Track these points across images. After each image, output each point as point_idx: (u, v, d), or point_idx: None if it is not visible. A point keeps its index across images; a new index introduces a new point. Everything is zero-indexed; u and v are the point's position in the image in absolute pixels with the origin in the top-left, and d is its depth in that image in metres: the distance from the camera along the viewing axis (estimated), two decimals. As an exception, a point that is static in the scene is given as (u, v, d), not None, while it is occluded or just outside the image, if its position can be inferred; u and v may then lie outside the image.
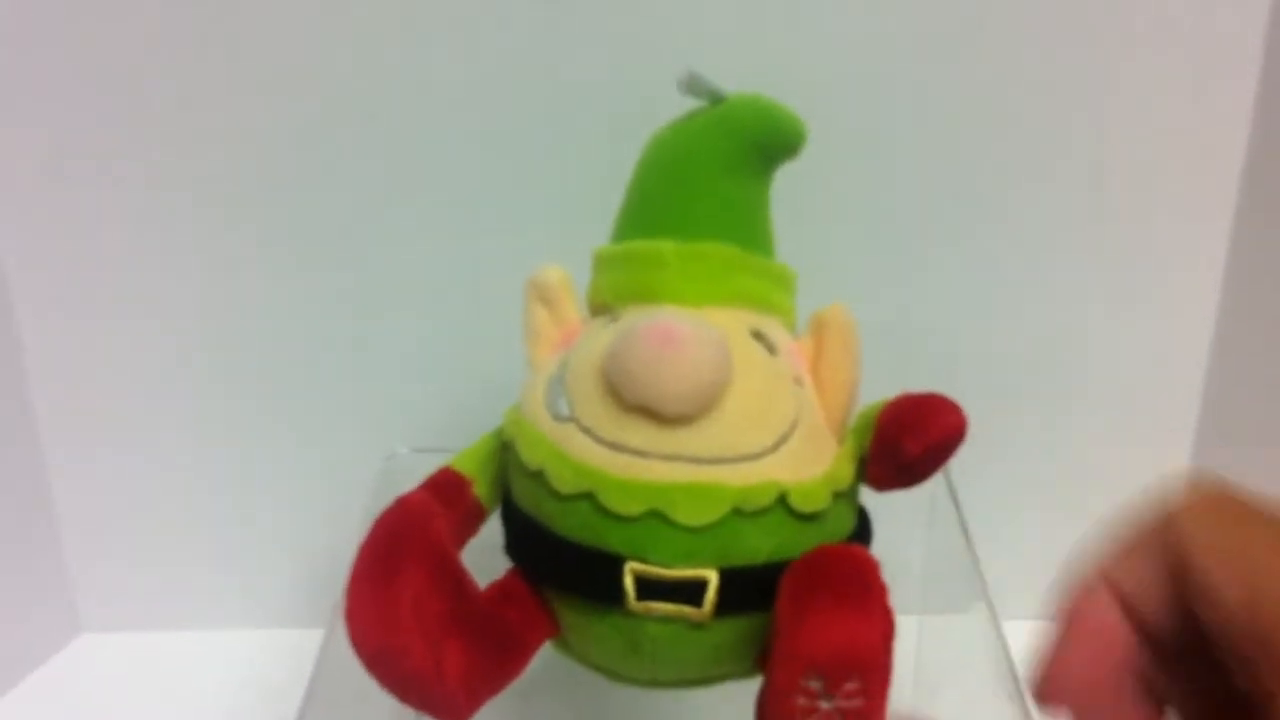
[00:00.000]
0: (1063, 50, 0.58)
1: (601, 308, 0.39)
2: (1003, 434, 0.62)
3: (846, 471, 0.36)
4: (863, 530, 0.39)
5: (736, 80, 0.39)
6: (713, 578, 0.33)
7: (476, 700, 0.35)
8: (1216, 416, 0.64)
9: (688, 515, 0.33)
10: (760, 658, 0.36)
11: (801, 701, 0.30)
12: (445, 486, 0.39)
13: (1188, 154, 0.60)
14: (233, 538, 0.65)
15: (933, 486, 0.50)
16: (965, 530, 0.49)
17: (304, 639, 0.57)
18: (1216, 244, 0.62)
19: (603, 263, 0.40)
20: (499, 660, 0.36)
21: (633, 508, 0.33)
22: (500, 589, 0.37)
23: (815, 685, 0.30)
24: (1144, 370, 0.64)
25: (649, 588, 0.33)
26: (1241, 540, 0.27)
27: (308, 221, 0.60)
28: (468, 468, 0.40)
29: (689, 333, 0.33)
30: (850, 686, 0.30)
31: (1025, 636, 0.46)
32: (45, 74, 0.57)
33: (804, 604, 0.31)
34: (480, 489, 0.40)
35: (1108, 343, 0.63)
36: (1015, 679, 0.42)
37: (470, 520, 0.40)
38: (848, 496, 0.37)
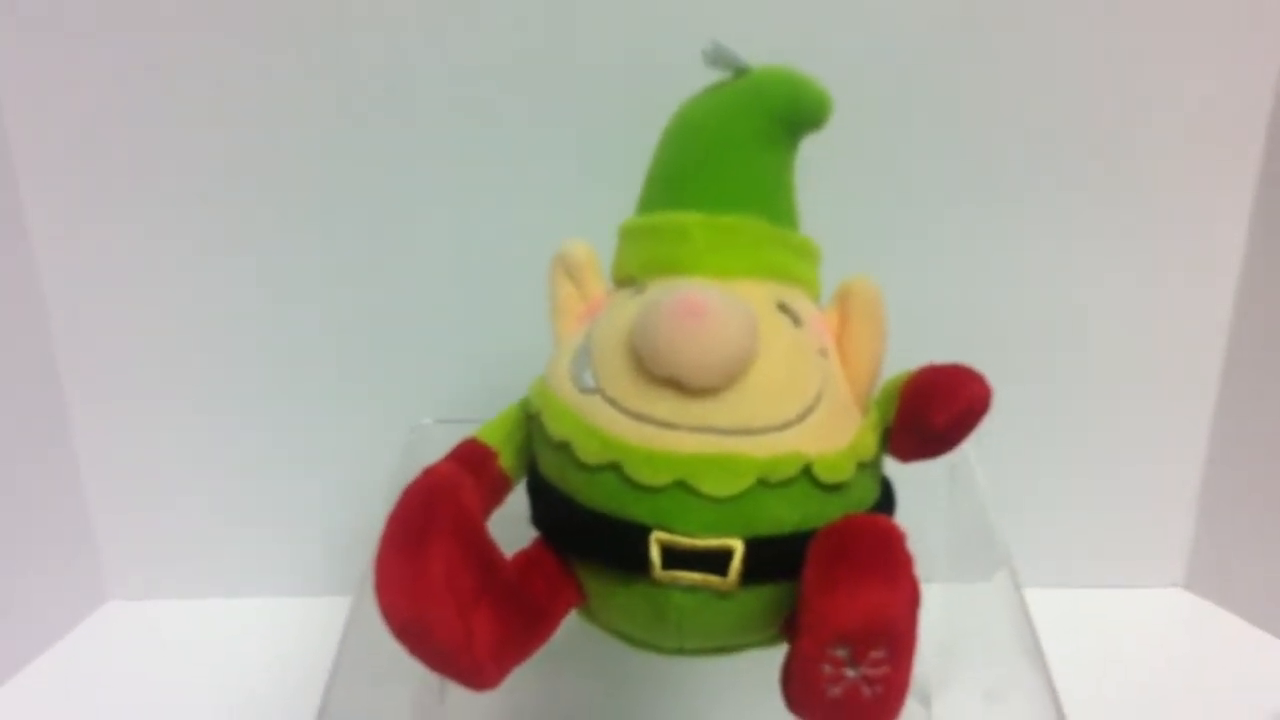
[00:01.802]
0: (1086, 25, 0.58)
1: (627, 280, 0.39)
2: (1024, 405, 0.62)
3: (870, 442, 0.36)
4: (886, 501, 0.39)
5: (759, 53, 0.39)
6: (738, 547, 0.33)
7: (504, 668, 0.35)
8: (1236, 389, 0.64)
9: (713, 486, 0.33)
10: (785, 625, 0.36)
11: (827, 670, 0.30)
12: (471, 458, 0.39)
13: (1209, 127, 0.60)
14: (259, 507, 0.66)
15: (954, 457, 0.50)
16: (986, 500, 0.49)
17: (330, 607, 0.58)
18: (1237, 218, 0.62)
19: (628, 235, 0.40)
20: (526, 629, 0.36)
21: (659, 478, 0.33)
22: (526, 559, 0.38)
23: (841, 654, 0.30)
24: (1164, 341, 0.64)
25: (675, 557, 0.33)
26: None
27: (334, 194, 0.60)
28: (493, 439, 0.40)
29: (715, 304, 0.33)
30: (876, 655, 0.30)
31: (1047, 603, 0.47)
32: (78, 56, 0.57)
33: (830, 573, 0.32)
34: (505, 460, 0.40)
35: (1128, 315, 0.63)
36: (1037, 645, 0.43)
37: (496, 491, 0.40)
38: (872, 467, 0.37)
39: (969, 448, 0.51)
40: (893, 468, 0.39)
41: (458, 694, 0.53)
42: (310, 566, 0.67)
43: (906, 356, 0.38)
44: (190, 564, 0.67)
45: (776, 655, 0.35)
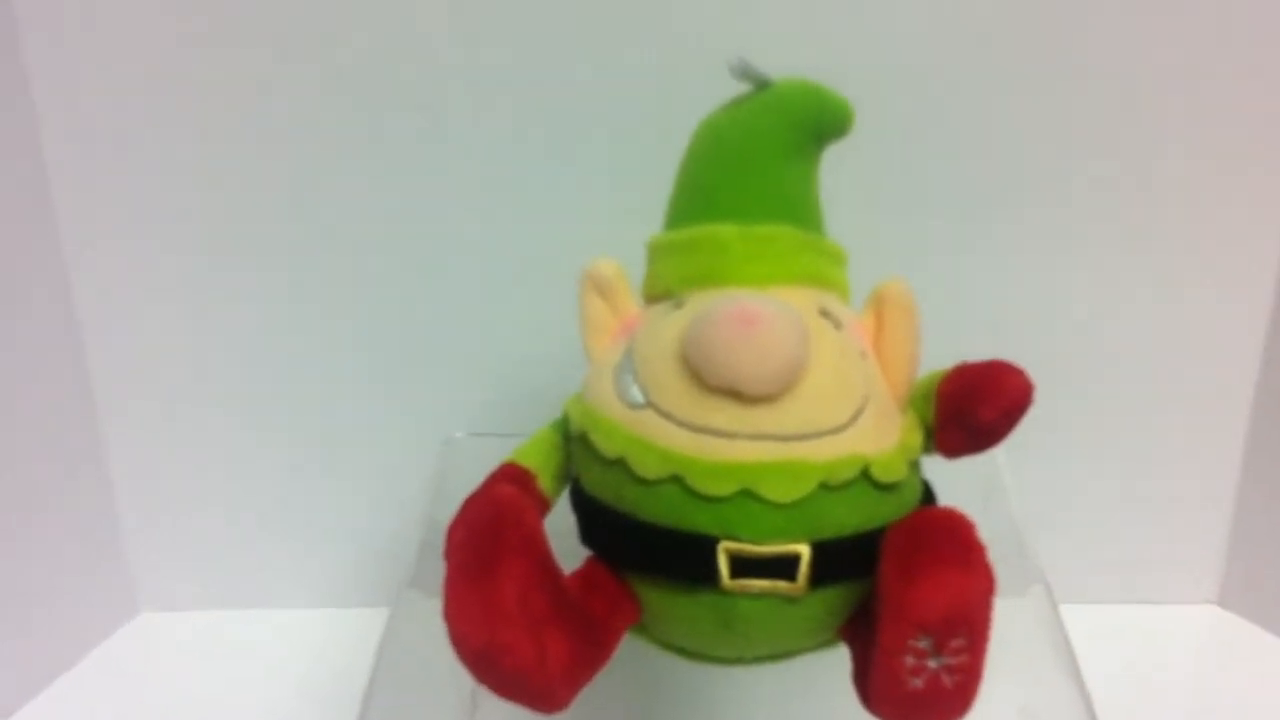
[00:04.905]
0: (1116, 32, 0.58)
1: (662, 295, 0.39)
2: (1056, 419, 0.62)
3: (916, 441, 0.37)
4: (929, 500, 0.39)
5: (784, 66, 0.40)
6: (805, 552, 0.33)
7: (574, 689, 0.35)
8: (1271, 403, 0.64)
9: (778, 492, 0.33)
10: (844, 627, 0.36)
11: (910, 661, 0.31)
12: (517, 480, 0.39)
13: (1243, 137, 0.60)
14: (292, 518, 0.66)
15: (987, 470, 0.50)
16: (1020, 516, 0.49)
17: (363, 619, 0.58)
18: (1272, 226, 0.62)
19: (661, 250, 0.40)
20: (593, 648, 0.36)
21: (723, 488, 0.33)
22: (582, 578, 0.37)
23: (924, 645, 0.31)
24: (1198, 354, 0.64)
25: (743, 565, 0.33)
26: None
27: (365, 209, 0.60)
28: (531, 461, 0.40)
29: (769, 312, 0.33)
30: (956, 643, 0.31)
31: (1080, 619, 0.46)
32: (103, 59, 0.58)
33: (910, 566, 0.32)
34: (544, 482, 0.40)
35: (1161, 326, 0.63)
36: (1073, 661, 0.42)
37: (540, 513, 0.40)
38: (917, 466, 0.37)
39: (1002, 462, 0.51)
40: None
41: (489, 707, 0.53)
42: (343, 578, 0.67)
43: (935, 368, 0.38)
44: (222, 576, 0.67)
45: (811, 662, 0.36)
